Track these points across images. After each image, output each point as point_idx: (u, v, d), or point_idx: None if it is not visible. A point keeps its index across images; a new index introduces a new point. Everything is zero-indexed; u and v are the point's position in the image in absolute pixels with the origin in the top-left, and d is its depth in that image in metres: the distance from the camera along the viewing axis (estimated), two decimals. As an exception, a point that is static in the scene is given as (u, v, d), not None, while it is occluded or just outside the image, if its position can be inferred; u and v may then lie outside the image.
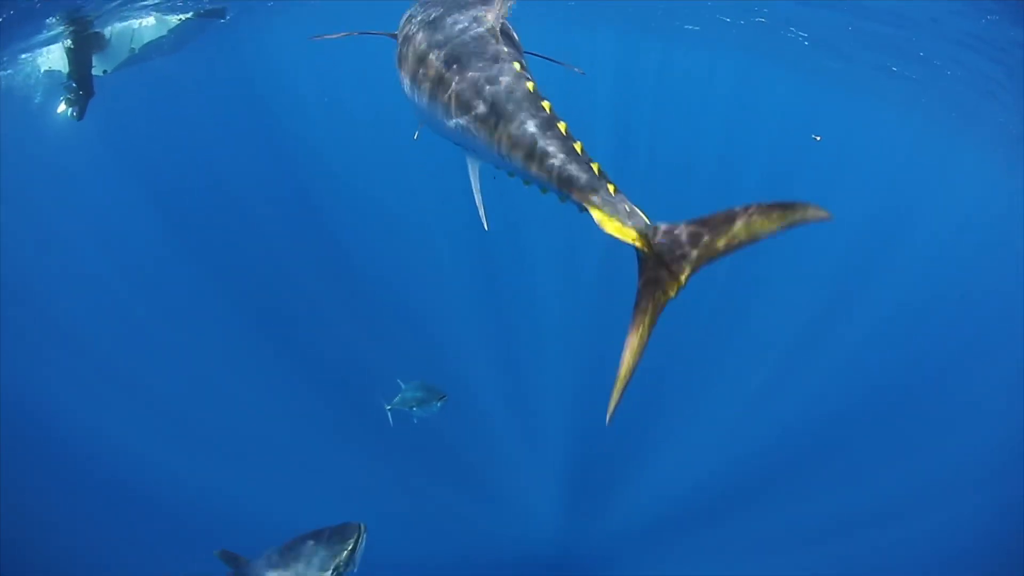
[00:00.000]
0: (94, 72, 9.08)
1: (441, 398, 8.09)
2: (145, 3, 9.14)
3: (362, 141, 18.87)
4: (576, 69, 3.59)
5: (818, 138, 21.45)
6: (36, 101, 12.01)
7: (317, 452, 11.97)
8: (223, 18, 11.07)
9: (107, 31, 9.29)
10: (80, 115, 8.72)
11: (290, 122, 18.85)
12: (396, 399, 8.39)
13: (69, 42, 9.05)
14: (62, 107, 8.44)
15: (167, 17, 9.65)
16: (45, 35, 9.28)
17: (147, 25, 9.55)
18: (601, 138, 22.49)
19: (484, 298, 15.93)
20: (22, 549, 9.67)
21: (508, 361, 14.49)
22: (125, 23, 9.35)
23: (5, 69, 10.51)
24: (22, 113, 11.97)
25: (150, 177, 16.24)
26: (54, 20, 8.71)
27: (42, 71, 10.15)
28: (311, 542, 3.78)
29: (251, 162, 17.60)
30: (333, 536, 3.80)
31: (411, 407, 8.22)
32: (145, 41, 9.51)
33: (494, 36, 2.03)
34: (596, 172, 1.79)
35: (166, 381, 12.65)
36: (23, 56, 10.09)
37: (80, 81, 8.70)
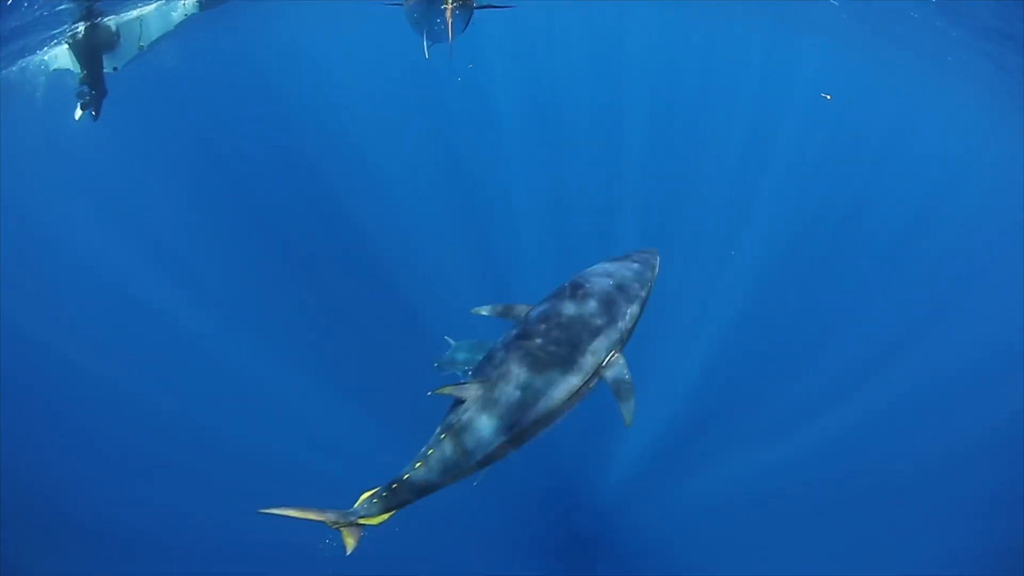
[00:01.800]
0: (104, 70, 9.18)
1: None
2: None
3: (379, 123, 18.64)
4: (506, 6, 5.31)
5: (828, 97, 21.32)
6: (38, 95, 12.00)
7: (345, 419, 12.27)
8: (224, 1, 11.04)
9: (114, 26, 9.35)
10: (96, 115, 8.88)
11: (307, 108, 18.46)
12: (445, 357, 7.61)
13: (82, 35, 9.10)
14: (78, 112, 8.56)
15: (172, 12, 9.69)
16: (53, 31, 9.31)
17: (153, 19, 9.59)
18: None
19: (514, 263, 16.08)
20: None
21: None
22: (132, 17, 9.39)
23: (11, 66, 10.52)
24: (28, 110, 11.97)
25: (165, 170, 16.18)
26: (65, 10, 8.72)
27: (51, 69, 10.19)
28: (629, 260, 3.84)
29: (275, 148, 17.44)
30: (642, 254, 3.90)
31: (464, 369, 7.33)
32: (153, 38, 9.58)
33: None
34: None
35: (197, 371, 12.94)
36: (27, 57, 10.11)
37: (93, 81, 8.81)
